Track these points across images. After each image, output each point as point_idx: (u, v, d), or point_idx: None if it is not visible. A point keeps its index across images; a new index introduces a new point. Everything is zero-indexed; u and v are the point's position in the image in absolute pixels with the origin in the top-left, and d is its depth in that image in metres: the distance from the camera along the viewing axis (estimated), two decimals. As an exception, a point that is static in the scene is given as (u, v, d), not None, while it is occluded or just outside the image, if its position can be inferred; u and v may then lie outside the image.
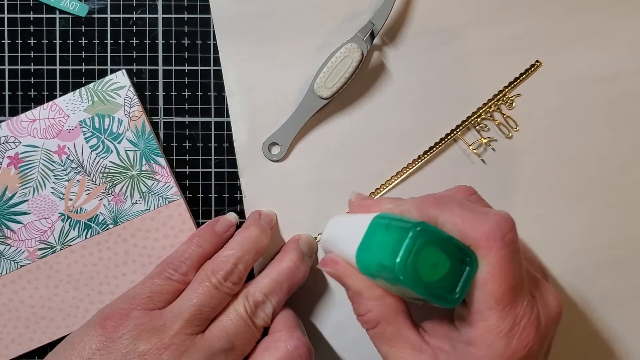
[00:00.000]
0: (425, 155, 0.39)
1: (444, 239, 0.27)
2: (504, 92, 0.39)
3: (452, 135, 0.39)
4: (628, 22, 0.39)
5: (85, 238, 0.39)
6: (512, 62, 0.39)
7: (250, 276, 0.36)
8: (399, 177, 0.39)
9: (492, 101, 0.39)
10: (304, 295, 0.40)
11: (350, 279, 0.31)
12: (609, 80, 0.39)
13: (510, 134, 0.39)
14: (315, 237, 0.39)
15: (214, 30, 0.39)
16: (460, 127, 0.39)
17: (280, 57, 0.39)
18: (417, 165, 0.39)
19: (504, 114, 0.39)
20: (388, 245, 0.27)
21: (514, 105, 0.39)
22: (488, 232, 0.27)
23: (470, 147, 0.39)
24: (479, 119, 0.39)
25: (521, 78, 0.39)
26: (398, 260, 0.26)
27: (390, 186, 0.39)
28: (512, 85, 0.39)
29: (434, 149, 0.39)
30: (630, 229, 0.39)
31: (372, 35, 0.37)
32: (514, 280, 0.27)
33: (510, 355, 0.27)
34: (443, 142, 0.39)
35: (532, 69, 0.39)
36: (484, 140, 0.39)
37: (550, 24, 0.39)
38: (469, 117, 0.39)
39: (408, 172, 0.39)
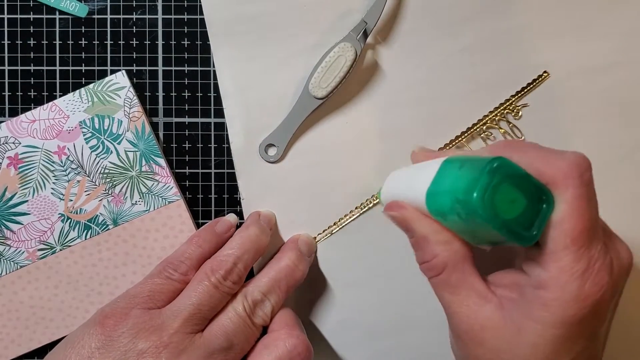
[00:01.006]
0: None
1: (521, 175, 0.26)
2: (510, 101, 0.39)
3: (456, 142, 0.39)
4: (622, 13, 0.39)
5: (85, 239, 0.39)
6: (507, 55, 0.39)
7: (250, 276, 0.36)
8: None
9: (499, 110, 0.39)
10: (304, 295, 0.40)
11: (416, 223, 0.30)
12: (604, 70, 0.39)
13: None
14: (315, 237, 0.40)
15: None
16: (465, 135, 0.39)
17: (274, 58, 0.39)
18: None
19: (510, 123, 0.39)
20: (464, 181, 0.26)
21: (520, 114, 0.39)
22: (565, 170, 0.26)
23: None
24: (484, 127, 0.39)
25: (529, 88, 0.39)
26: (476, 194, 0.25)
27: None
28: (519, 95, 0.39)
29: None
30: (631, 220, 0.39)
31: (365, 34, 0.37)
32: (590, 221, 0.26)
33: (584, 299, 0.26)
34: (448, 148, 0.39)
35: (540, 79, 0.39)
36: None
37: (544, 16, 0.39)
38: (474, 125, 0.39)
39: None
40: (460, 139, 0.39)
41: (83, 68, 0.39)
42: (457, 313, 0.29)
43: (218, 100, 0.39)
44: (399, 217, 0.31)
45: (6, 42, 0.39)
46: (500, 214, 0.25)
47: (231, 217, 0.38)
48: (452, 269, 0.29)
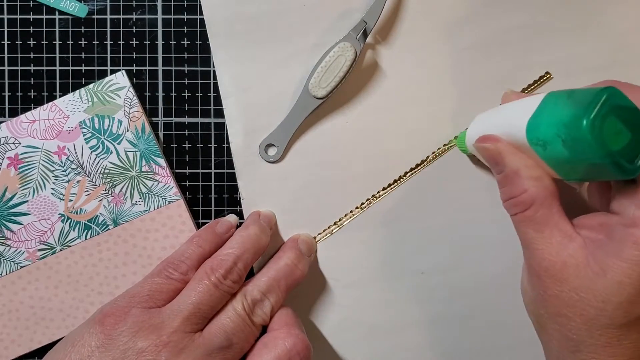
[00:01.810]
0: (428, 160, 0.39)
1: (630, 108, 0.26)
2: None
3: (455, 141, 0.39)
4: (621, 12, 0.39)
5: (85, 239, 0.39)
6: (506, 55, 0.39)
7: (250, 276, 0.36)
8: (401, 181, 0.39)
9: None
10: (304, 295, 0.40)
11: (510, 156, 0.30)
12: (604, 70, 0.39)
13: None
14: (315, 237, 0.40)
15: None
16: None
17: (273, 58, 0.39)
18: (419, 169, 0.39)
19: None
20: (572, 108, 0.27)
21: None
22: None
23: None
24: None
25: (530, 89, 0.39)
26: (585, 121, 0.26)
27: (392, 189, 0.39)
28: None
29: (436, 154, 0.39)
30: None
31: (365, 34, 0.37)
32: None
33: None
34: (447, 147, 0.39)
35: (542, 80, 0.39)
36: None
37: (544, 16, 0.39)
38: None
39: (410, 175, 0.39)
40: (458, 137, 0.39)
41: (83, 68, 0.39)
42: (539, 250, 0.29)
43: (218, 100, 0.39)
44: (493, 149, 0.31)
45: (6, 42, 0.39)
46: (607, 144, 0.26)
47: (231, 218, 0.38)
48: (539, 206, 0.29)
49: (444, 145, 0.39)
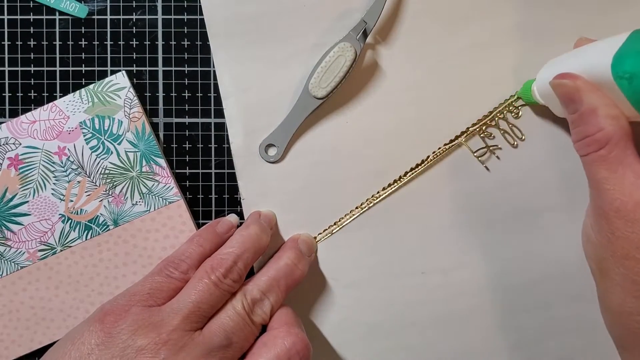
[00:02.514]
0: (428, 160, 0.39)
1: None
2: (510, 101, 0.39)
3: (456, 141, 0.39)
4: (621, 13, 0.39)
5: (86, 239, 0.39)
6: (506, 54, 0.39)
7: (251, 275, 0.36)
8: (401, 181, 0.39)
9: (498, 109, 0.39)
10: (304, 295, 0.40)
11: (588, 94, 0.30)
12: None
13: (515, 143, 0.39)
14: (315, 237, 0.40)
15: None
16: (465, 134, 0.39)
17: (273, 58, 0.39)
18: (419, 169, 0.39)
19: (509, 123, 0.39)
20: None
21: (520, 114, 0.39)
22: None
23: (475, 154, 0.39)
24: (484, 127, 0.39)
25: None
26: None
27: (392, 189, 0.39)
28: (519, 95, 0.39)
29: (437, 154, 0.39)
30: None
31: (365, 34, 0.37)
32: None
33: None
34: (447, 147, 0.39)
35: None
36: (490, 148, 0.39)
37: (544, 16, 0.39)
38: (474, 124, 0.39)
39: (410, 175, 0.39)
40: (460, 138, 0.39)
41: (83, 69, 0.39)
42: (610, 190, 0.29)
43: (218, 100, 0.39)
44: (571, 85, 0.31)
45: (6, 42, 0.39)
46: None
47: (232, 218, 0.38)
48: (614, 145, 0.29)
49: (445, 145, 0.39)
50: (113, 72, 0.39)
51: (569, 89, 0.31)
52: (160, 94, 0.39)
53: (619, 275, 0.30)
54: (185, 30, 0.39)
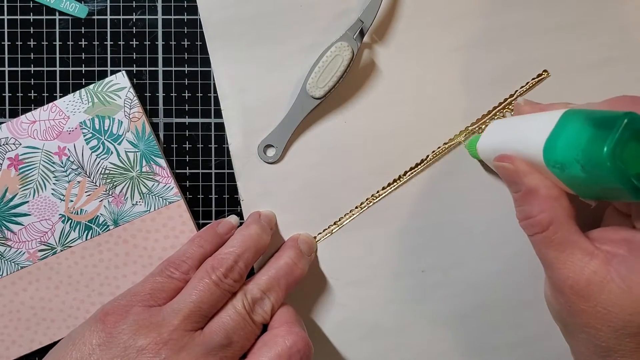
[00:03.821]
0: (428, 159, 0.39)
1: None
2: (509, 100, 0.39)
3: (455, 140, 0.39)
4: (617, 9, 0.39)
5: (86, 239, 0.39)
6: (503, 52, 0.39)
7: (251, 276, 0.36)
8: (401, 181, 0.39)
9: (497, 108, 0.39)
10: (305, 294, 0.40)
11: (528, 176, 0.30)
12: (600, 66, 0.39)
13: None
14: (315, 237, 0.40)
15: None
16: (465, 132, 0.39)
17: (271, 58, 0.39)
18: (419, 169, 0.39)
19: None
20: (592, 134, 0.27)
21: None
22: None
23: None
24: (483, 126, 0.39)
25: (528, 86, 0.39)
26: (606, 148, 0.25)
27: (392, 189, 0.39)
28: (518, 94, 0.39)
29: (436, 153, 0.39)
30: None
31: (362, 33, 0.37)
32: None
33: None
34: (447, 146, 0.39)
35: (540, 78, 0.39)
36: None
37: (539, 13, 0.39)
38: (473, 123, 0.39)
39: (409, 175, 0.39)
40: (459, 137, 0.39)
41: (83, 69, 0.39)
42: (560, 269, 0.29)
43: (218, 100, 0.39)
44: (511, 168, 0.31)
45: (6, 43, 0.39)
46: (627, 169, 0.26)
47: (232, 219, 0.38)
48: (557, 226, 0.29)
49: (444, 143, 0.39)
50: (113, 72, 0.39)
51: (509, 172, 0.31)
52: (160, 94, 0.39)
53: (584, 339, 0.30)
54: (185, 30, 0.39)
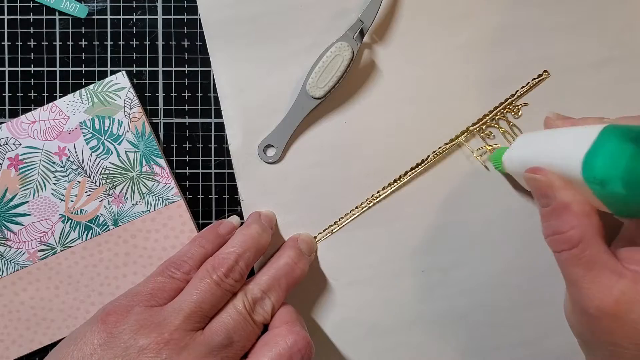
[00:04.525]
0: (428, 160, 0.39)
1: None
2: (510, 101, 0.39)
3: (456, 141, 0.39)
4: (616, 9, 0.39)
5: (86, 239, 0.39)
6: (503, 52, 0.39)
7: (251, 276, 0.36)
8: (401, 181, 0.39)
9: (498, 109, 0.39)
10: (305, 294, 0.40)
11: (560, 191, 0.30)
12: (599, 66, 0.39)
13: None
14: (315, 237, 0.40)
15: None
16: (465, 134, 0.39)
17: (271, 58, 0.39)
18: (419, 169, 0.39)
19: (509, 122, 0.39)
20: (633, 151, 0.26)
21: (520, 113, 0.39)
22: None
23: (474, 153, 0.39)
24: (484, 126, 0.39)
25: (528, 87, 0.39)
26: None
27: (392, 189, 0.39)
28: (519, 94, 0.39)
29: (437, 153, 0.39)
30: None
31: (362, 33, 0.37)
32: None
33: None
34: (447, 147, 0.39)
35: (540, 78, 0.39)
36: (489, 148, 0.39)
37: (541, 12, 0.39)
38: (474, 124, 0.39)
39: (409, 175, 0.39)
40: (460, 137, 0.39)
41: (83, 69, 0.39)
42: (587, 289, 0.29)
43: (218, 100, 0.39)
44: (544, 180, 0.30)
45: (6, 43, 0.39)
46: None
47: (234, 219, 0.39)
48: (587, 244, 0.29)
49: (445, 144, 0.39)
50: (113, 72, 0.39)
51: (541, 184, 0.31)
52: (160, 94, 0.39)
53: (606, 356, 0.30)
54: (185, 30, 0.39)
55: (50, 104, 0.38)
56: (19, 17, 0.39)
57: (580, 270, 0.29)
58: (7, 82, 0.39)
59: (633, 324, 0.28)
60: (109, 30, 0.39)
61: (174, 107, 0.39)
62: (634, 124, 0.29)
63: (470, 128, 0.39)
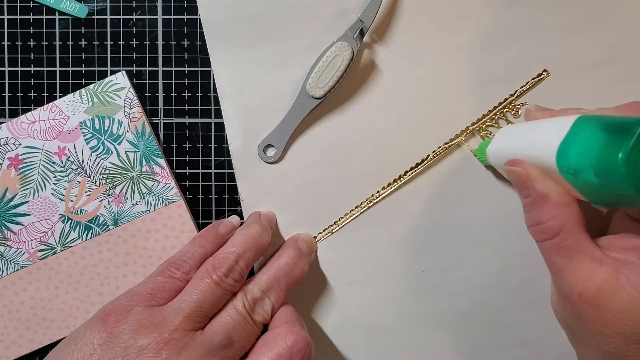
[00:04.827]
0: (428, 160, 0.39)
1: None
2: (509, 100, 0.39)
3: (456, 140, 0.39)
4: (615, 10, 0.39)
5: (86, 239, 0.39)
6: (503, 52, 0.39)
7: (251, 276, 0.36)
8: (401, 181, 0.39)
9: (498, 108, 0.39)
10: (305, 295, 0.40)
11: (539, 181, 0.30)
12: (599, 66, 0.39)
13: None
14: (315, 237, 0.40)
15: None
16: (465, 133, 0.39)
17: (271, 58, 0.39)
18: (419, 169, 0.39)
19: (509, 122, 0.39)
20: (607, 140, 0.26)
21: (520, 113, 0.39)
22: None
23: (475, 153, 0.39)
24: (483, 126, 0.39)
25: (528, 86, 0.39)
26: (621, 154, 0.25)
27: (392, 189, 0.39)
28: (519, 94, 0.39)
29: (437, 153, 0.39)
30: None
31: (362, 33, 0.37)
32: None
33: None
34: (447, 146, 0.39)
35: (540, 78, 0.39)
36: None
37: (540, 12, 0.39)
38: (473, 123, 0.39)
39: (409, 175, 0.39)
40: (459, 137, 0.39)
41: (83, 69, 0.39)
42: (569, 277, 0.29)
43: (218, 100, 0.39)
44: (522, 173, 0.31)
45: (6, 43, 0.39)
46: None
47: (234, 219, 0.39)
48: (567, 233, 0.29)
49: (444, 143, 0.39)
50: (113, 72, 0.39)
51: (520, 176, 0.31)
52: (160, 94, 0.39)
53: (591, 346, 0.30)
54: (185, 30, 0.39)
55: (50, 104, 0.38)
56: (19, 17, 0.39)
57: (561, 259, 0.30)
58: (7, 82, 0.39)
59: (615, 312, 0.28)
60: (109, 30, 0.39)
61: (174, 107, 0.39)
62: (609, 115, 0.29)
63: (470, 128, 0.39)
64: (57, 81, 0.39)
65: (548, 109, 0.35)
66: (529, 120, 0.35)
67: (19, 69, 0.39)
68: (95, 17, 0.39)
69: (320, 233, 0.40)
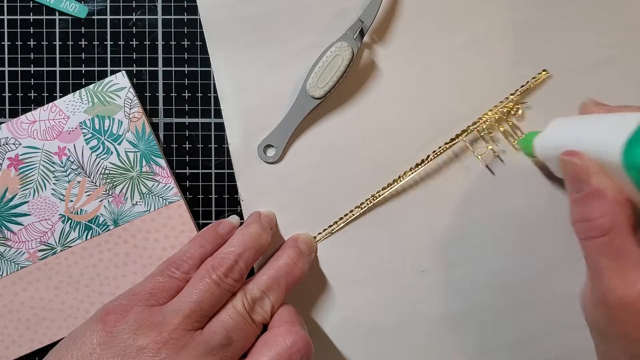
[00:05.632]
0: (428, 159, 0.39)
1: None
2: (510, 100, 0.39)
3: (457, 140, 0.39)
4: (615, 10, 0.39)
5: (86, 239, 0.39)
6: (503, 52, 0.39)
7: (251, 276, 0.36)
8: (401, 181, 0.39)
9: (498, 108, 0.39)
10: (305, 295, 0.40)
11: (596, 176, 0.29)
12: (599, 66, 0.39)
13: (516, 142, 0.39)
14: (315, 237, 0.40)
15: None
16: (465, 132, 0.39)
17: (271, 58, 0.39)
18: (419, 169, 0.39)
19: (509, 122, 0.39)
20: None
21: (520, 113, 0.39)
22: None
23: (475, 152, 0.39)
24: (483, 126, 0.39)
25: (528, 87, 0.39)
26: None
27: (392, 189, 0.39)
28: (519, 94, 0.39)
29: (437, 153, 0.39)
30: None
31: (362, 33, 0.37)
32: None
33: None
34: (447, 146, 0.39)
35: (539, 78, 0.39)
36: (489, 147, 0.39)
37: (540, 12, 0.39)
38: (474, 123, 0.39)
39: (410, 175, 0.39)
40: (460, 137, 0.39)
41: (83, 69, 0.39)
42: (611, 279, 0.28)
43: (218, 100, 0.39)
44: (580, 165, 0.30)
45: (6, 43, 0.39)
46: None
47: (233, 219, 0.39)
48: (616, 233, 0.28)
49: (445, 143, 0.39)
50: (113, 72, 0.39)
51: (577, 169, 0.30)
52: (160, 94, 0.39)
53: (620, 347, 0.30)
54: (185, 30, 0.39)
55: (50, 104, 0.38)
56: (19, 17, 0.39)
57: (605, 259, 0.29)
58: (7, 82, 0.39)
59: None
60: (108, 30, 0.39)
61: (174, 107, 0.39)
62: None
63: (471, 127, 0.39)
64: (57, 81, 0.39)
65: (605, 104, 0.34)
66: (585, 113, 0.34)
67: (19, 69, 0.39)
68: (95, 17, 0.39)
69: (320, 233, 0.40)
